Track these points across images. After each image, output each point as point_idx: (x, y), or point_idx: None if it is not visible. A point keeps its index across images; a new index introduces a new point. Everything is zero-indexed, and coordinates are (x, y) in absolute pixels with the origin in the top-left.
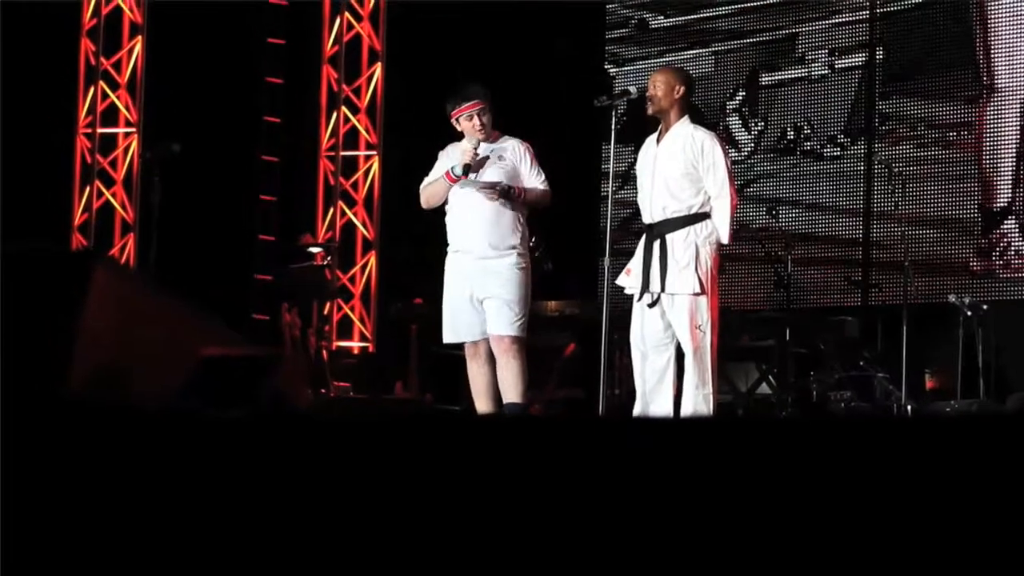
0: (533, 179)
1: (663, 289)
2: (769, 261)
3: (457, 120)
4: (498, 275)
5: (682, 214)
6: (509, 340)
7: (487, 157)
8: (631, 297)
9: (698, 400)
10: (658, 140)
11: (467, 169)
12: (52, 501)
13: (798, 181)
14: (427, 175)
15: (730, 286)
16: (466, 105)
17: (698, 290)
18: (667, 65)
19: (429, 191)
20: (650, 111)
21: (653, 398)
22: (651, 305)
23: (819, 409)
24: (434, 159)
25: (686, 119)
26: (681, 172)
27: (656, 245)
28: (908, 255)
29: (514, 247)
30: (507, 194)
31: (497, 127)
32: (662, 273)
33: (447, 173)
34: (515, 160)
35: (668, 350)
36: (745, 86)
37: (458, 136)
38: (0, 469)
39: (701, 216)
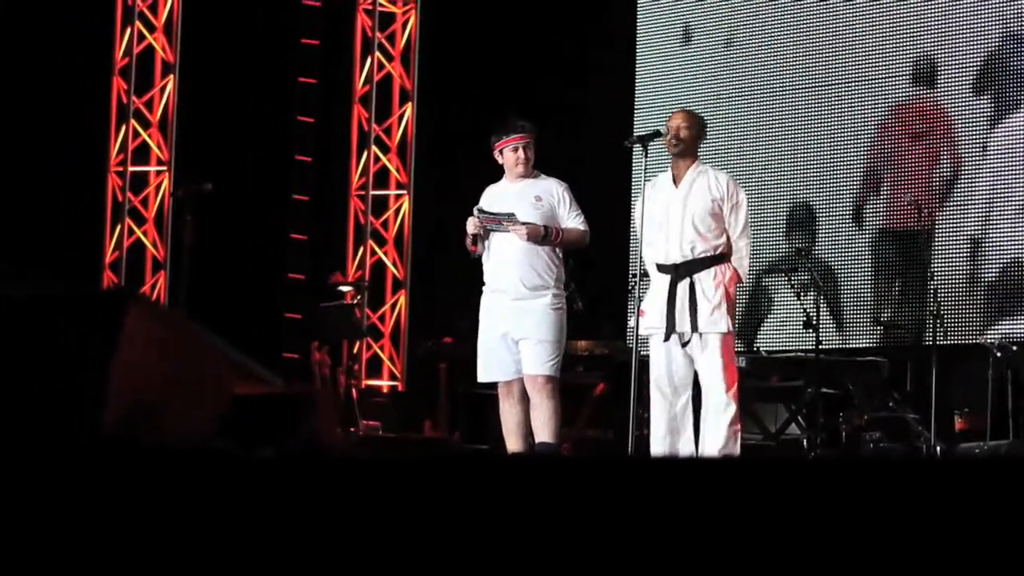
0: (572, 219)
1: (695, 329)
2: (799, 302)
3: (500, 151)
4: (533, 315)
5: (709, 254)
6: (543, 380)
7: (498, 219)
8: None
9: (728, 437)
10: (675, 181)
11: (476, 240)
12: (86, 539)
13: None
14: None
15: (760, 327)
16: (514, 136)
17: (730, 329)
18: (686, 108)
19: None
20: (674, 151)
21: (678, 439)
22: (684, 344)
23: (848, 450)
24: (465, 198)
25: (699, 162)
26: (709, 212)
27: (683, 285)
28: (938, 296)
29: (549, 287)
30: (545, 236)
31: (534, 166)
32: (692, 313)
33: (470, 246)
34: (552, 201)
35: (689, 390)
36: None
37: (495, 175)
38: (35, 507)
39: (725, 256)
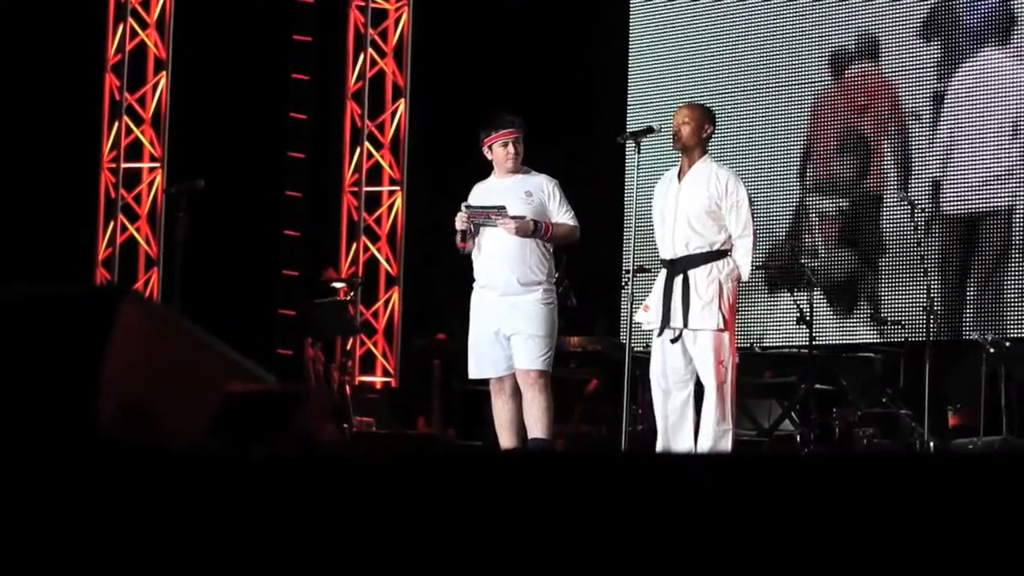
0: (562, 215)
1: (686, 325)
2: (792, 297)
3: (490, 148)
4: (524, 311)
5: (704, 250)
6: (535, 375)
7: (487, 213)
8: (651, 333)
9: (718, 435)
10: (679, 176)
11: (464, 236)
12: (78, 538)
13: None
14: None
15: (753, 323)
16: (502, 132)
17: (721, 326)
18: (694, 102)
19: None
20: (675, 147)
21: (675, 434)
22: (674, 340)
23: (842, 446)
24: (458, 195)
25: (707, 157)
26: (704, 209)
27: (678, 281)
28: (931, 291)
29: (540, 282)
30: (534, 230)
31: (524, 162)
32: (684, 309)
33: (459, 242)
34: (543, 196)
35: (688, 386)
36: None
37: (484, 171)
38: (28, 506)
39: (723, 253)
